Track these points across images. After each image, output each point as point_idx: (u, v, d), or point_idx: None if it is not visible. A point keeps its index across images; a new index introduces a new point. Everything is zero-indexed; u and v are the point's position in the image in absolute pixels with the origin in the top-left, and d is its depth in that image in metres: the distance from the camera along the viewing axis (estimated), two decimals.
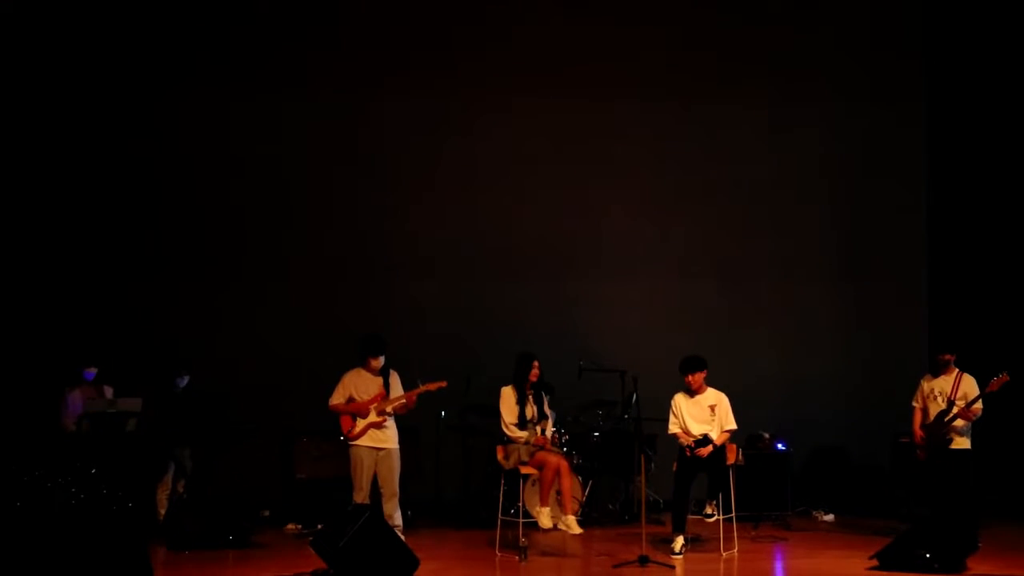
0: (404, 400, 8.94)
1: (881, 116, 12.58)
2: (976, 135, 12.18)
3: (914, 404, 9.68)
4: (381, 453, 8.90)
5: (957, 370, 9.49)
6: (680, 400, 9.15)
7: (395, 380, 9.07)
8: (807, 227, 12.51)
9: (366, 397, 8.93)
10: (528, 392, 9.19)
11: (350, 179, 12.04)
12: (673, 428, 9.11)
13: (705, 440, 8.91)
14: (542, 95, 12.18)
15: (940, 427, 9.37)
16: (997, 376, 9.10)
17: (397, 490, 8.92)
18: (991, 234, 12.01)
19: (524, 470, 9.07)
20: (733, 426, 9.12)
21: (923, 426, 9.54)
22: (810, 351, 12.30)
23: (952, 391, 9.39)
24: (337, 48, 12.06)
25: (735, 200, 12.41)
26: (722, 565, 8.72)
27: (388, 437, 8.95)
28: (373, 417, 8.89)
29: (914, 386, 9.72)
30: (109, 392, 10.42)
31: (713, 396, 9.15)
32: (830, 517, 10.95)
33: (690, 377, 9.08)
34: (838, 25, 12.60)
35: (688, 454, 8.89)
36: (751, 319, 12.27)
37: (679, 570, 8.41)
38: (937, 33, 12.55)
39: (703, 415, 9.06)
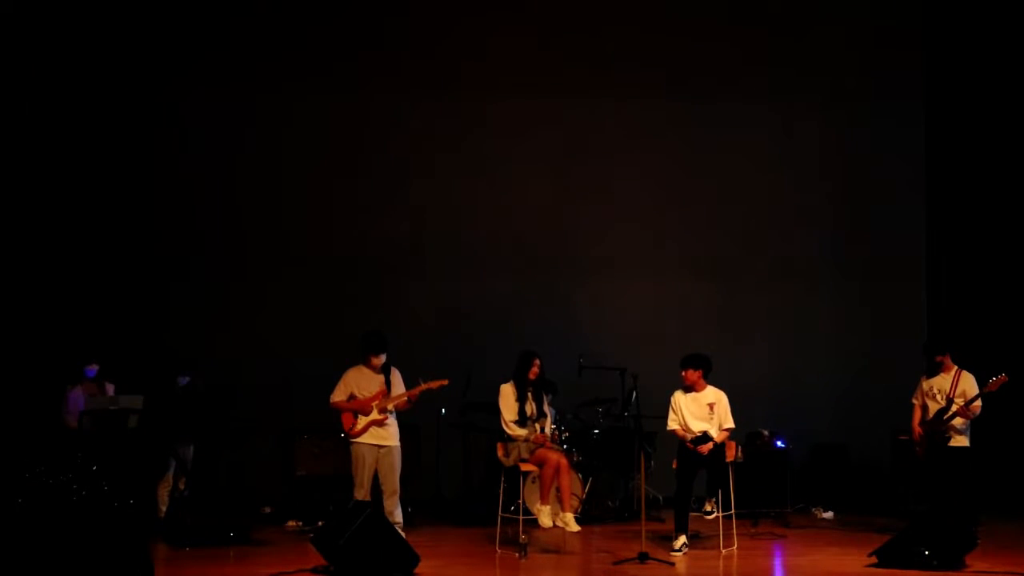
0: (406, 397, 8.96)
1: (881, 116, 12.59)
2: (976, 135, 12.19)
3: (913, 401, 9.69)
4: (382, 450, 8.92)
5: (956, 368, 9.50)
6: (679, 397, 9.15)
7: (396, 378, 9.08)
8: (807, 227, 12.52)
9: (367, 394, 8.95)
10: (528, 390, 9.20)
11: (352, 179, 12.08)
12: (672, 425, 9.11)
13: (705, 437, 8.92)
14: (543, 96, 12.20)
15: (939, 425, 9.38)
16: (996, 376, 9.11)
17: (398, 487, 8.94)
18: (991, 234, 12.02)
19: (524, 467, 9.08)
20: (731, 425, 9.11)
21: (922, 424, 9.56)
22: (809, 349, 12.33)
23: (951, 389, 9.40)
24: (339, 48, 12.09)
25: (735, 199, 12.43)
26: (721, 562, 8.73)
27: (389, 434, 8.97)
28: (375, 415, 8.91)
29: (913, 384, 9.74)
30: (111, 389, 10.45)
31: (712, 394, 9.15)
32: (829, 514, 10.96)
33: (684, 373, 9.07)
34: (838, 25, 12.61)
35: (690, 447, 8.90)
36: (751, 317, 12.29)
37: (679, 567, 8.42)
38: (937, 33, 12.56)
39: (702, 413, 9.06)
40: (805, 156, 12.55)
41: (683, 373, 9.08)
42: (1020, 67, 11.80)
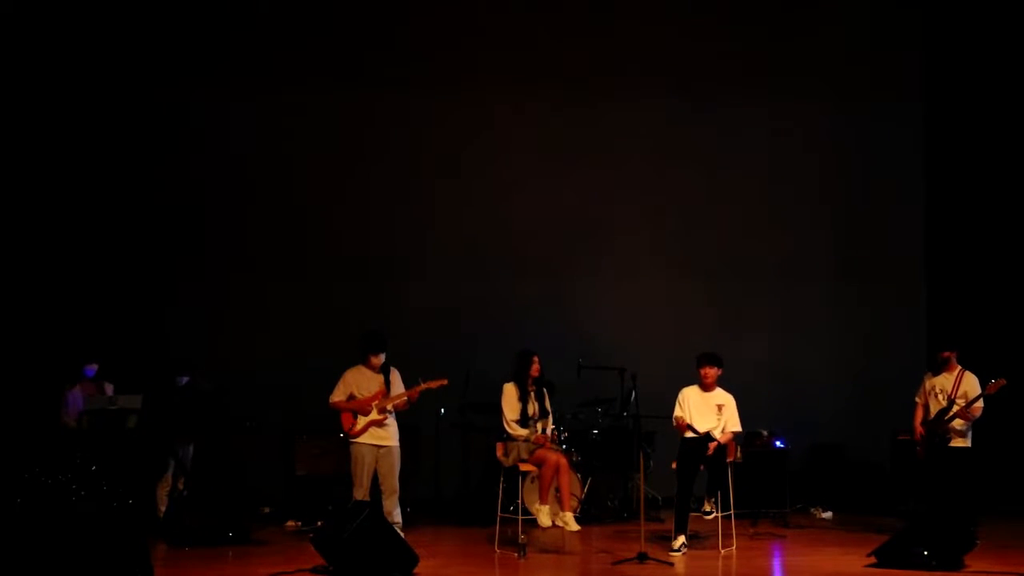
0: (405, 397, 8.96)
1: (881, 116, 12.59)
2: (976, 135, 12.19)
3: (916, 400, 9.70)
4: (382, 450, 8.92)
5: (960, 368, 9.51)
6: (689, 394, 9.15)
7: (396, 377, 9.09)
8: (806, 227, 12.52)
9: (367, 394, 8.95)
10: (530, 389, 9.21)
11: (353, 179, 12.07)
12: (678, 413, 9.12)
13: (708, 437, 8.93)
14: (544, 96, 12.22)
15: (939, 425, 9.39)
16: (995, 379, 9.13)
17: (397, 487, 8.95)
18: (990, 234, 12.02)
19: (523, 467, 9.08)
20: (738, 428, 9.14)
21: (923, 423, 9.56)
22: (809, 350, 12.32)
23: (953, 389, 9.40)
24: (342, 49, 12.08)
25: (735, 199, 12.43)
26: (720, 562, 8.74)
27: (389, 434, 8.98)
28: (374, 415, 8.91)
29: (912, 384, 9.75)
30: (110, 389, 10.45)
31: (722, 396, 9.16)
32: (828, 514, 10.97)
33: (704, 370, 9.08)
34: (838, 25, 12.62)
35: (689, 433, 8.90)
36: (750, 317, 12.29)
37: (678, 567, 8.43)
38: (937, 33, 12.57)
39: (709, 413, 9.06)
40: (805, 156, 12.54)
41: (703, 370, 9.09)
42: (1020, 67, 11.79)
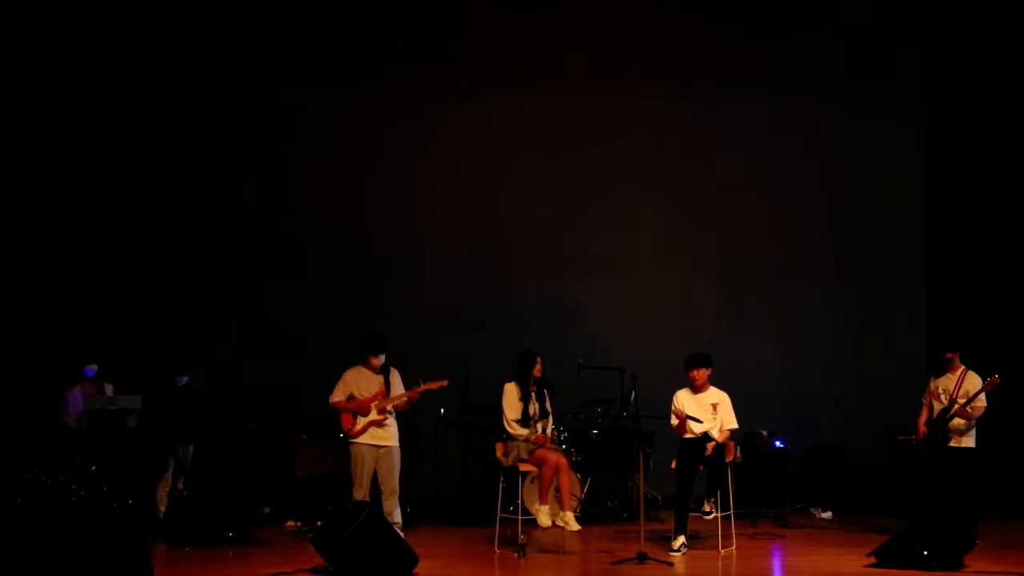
0: (405, 398, 8.97)
1: (881, 117, 12.59)
2: (976, 135, 12.19)
3: (923, 401, 9.70)
4: (381, 451, 8.93)
5: (963, 368, 9.51)
6: (682, 396, 9.16)
7: (395, 378, 9.09)
8: (806, 227, 12.52)
9: (367, 395, 8.96)
10: (531, 389, 9.22)
11: (353, 179, 12.07)
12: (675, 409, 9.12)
13: (706, 437, 8.93)
14: (544, 96, 12.21)
15: (941, 425, 9.40)
16: (989, 378, 9.16)
17: (397, 487, 8.95)
18: (990, 234, 12.02)
19: (523, 468, 9.09)
20: (734, 425, 9.15)
21: (926, 423, 9.57)
22: (808, 350, 12.32)
23: (955, 389, 9.41)
24: (343, 49, 12.07)
25: (734, 200, 12.43)
26: (720, 562, 8.74)
27: (388, 435, 8.98)
28: (374, 415, 8.92)
29: (912, 384, 9.76)
30: (109, 389, 10.45)
31: (716, 395, 9.16)
32: (828, 514, 10.97)
33: (694, 372, 9.09)
34: (838, 25, 12.61)
35: (690, 424, 8.90)
36: (750, 318, 12.29)
37: (678, 567, 8.43)
38: (937, 34, 12.56)
39: (705, 413, 9.06)
40: (805, 157, 12.54)
41: (693, 373, 9.10)
42: (1020, 67, 11.79)
